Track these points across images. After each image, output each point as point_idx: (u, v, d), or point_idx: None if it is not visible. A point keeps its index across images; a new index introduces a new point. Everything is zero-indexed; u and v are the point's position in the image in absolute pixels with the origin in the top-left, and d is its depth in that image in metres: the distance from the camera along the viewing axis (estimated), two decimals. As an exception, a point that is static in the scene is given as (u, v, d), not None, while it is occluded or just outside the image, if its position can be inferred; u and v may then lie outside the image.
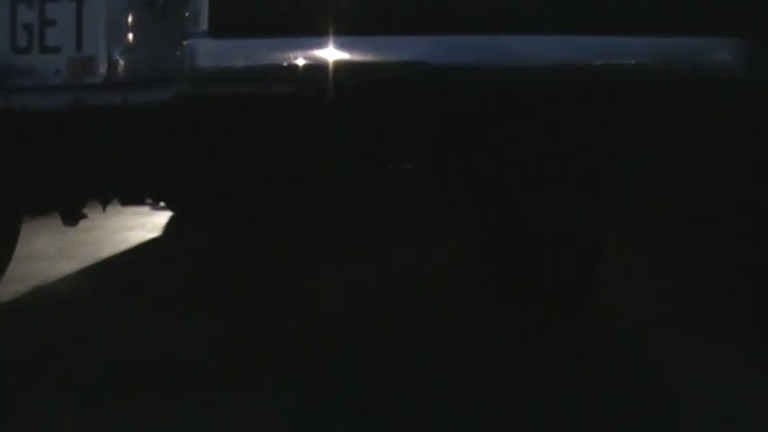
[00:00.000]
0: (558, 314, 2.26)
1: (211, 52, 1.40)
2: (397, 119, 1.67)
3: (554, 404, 1.82)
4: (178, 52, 1.41)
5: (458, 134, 1.82)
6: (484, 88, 1.54)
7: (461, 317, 2.52)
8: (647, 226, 3.69)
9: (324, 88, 1.40)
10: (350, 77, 1.39)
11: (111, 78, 1.46)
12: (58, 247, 3.66)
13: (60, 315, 2.59)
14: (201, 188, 1.95)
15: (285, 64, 1.38)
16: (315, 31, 1.38)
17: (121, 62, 1.46)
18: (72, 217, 2.32)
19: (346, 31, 1.38)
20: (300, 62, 1.38)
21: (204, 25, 1.40)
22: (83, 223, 2.47)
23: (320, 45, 1.38)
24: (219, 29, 1.40)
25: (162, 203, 3.43)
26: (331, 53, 1.38)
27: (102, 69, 1.46)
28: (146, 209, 4.02)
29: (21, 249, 2.72)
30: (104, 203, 2.35)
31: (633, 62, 1.43)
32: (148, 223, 4.34)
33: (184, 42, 1.40)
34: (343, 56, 1.38)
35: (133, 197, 2.44)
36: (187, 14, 1.41)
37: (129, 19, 1.46)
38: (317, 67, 1.38)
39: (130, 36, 1.46)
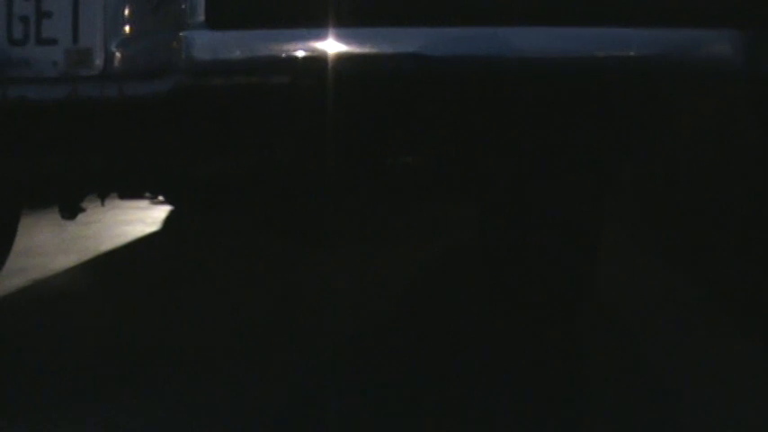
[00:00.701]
0: (558, 314, 2.26)
1: (209, 44, 1.40)
2: (396, 111, 1.66)
3: (554, 404, 1.82)
4: (175, 44, 1.40)
5: (457, 127, 1.82)
6: (483, 80, 1.54)
7: (460, 314, 2.52)
8: (648, 225, 3.69)
9: (322, 80, 1.40)
10: (348, 69, 1.38)
11: (107, 70, 1.45)
12: (57, 240, 3.65)
13: (59, 309, 2.59)
14: (200, 181, 1.94)
15: (283, 55, 1.38)
16: (313, 23, 1.38)
17: (118, 54, 1.45)
18: (70, 211, 2.32)
19: (344, 23, 1.38)
20: (298, 53, 1.38)
21: (201, 17, 1.40)
22: (81, 217, 2.47)
23: (318, 36, 1.37)
24: (217, 20, 1.40)
25: (160, 197, 3.43)
26: (329, 44, 1.37)
27: (99, 61, 1.45)
28: (144, 203, 4.01)
29: (19, 243, 2.72)
30: (103, 197, 2.35)
31: (632, 54, 1.42)
32: (147, 217, 4.34)
33: (181, 34, 1.39)
34: (342, 47, 1.38)
35: (131, 191, 2.44)
36: (184, 6, 1.40)
37: (126, 11, 1.45)
38: (316, 59, 1.37)
39: (127, 28, 1.45)
